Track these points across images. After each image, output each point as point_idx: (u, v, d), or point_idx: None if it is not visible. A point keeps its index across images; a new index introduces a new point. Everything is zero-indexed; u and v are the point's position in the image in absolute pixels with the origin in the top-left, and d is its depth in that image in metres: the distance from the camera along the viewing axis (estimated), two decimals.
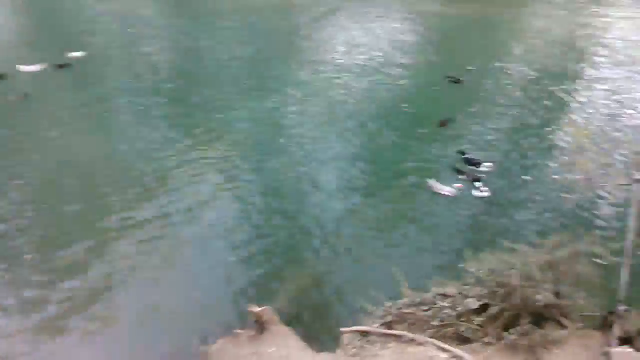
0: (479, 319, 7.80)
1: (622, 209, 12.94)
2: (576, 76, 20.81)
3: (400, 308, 8.42)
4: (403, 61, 22.36)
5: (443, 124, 17.31)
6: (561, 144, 16.23)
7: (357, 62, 22.34)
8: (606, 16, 27.26)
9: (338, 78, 20.86)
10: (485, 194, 13.99)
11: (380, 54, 22.99)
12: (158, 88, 20.19)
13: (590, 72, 21.12)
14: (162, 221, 13.28)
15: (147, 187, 14.51)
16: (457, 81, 19.99)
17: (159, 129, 17.44)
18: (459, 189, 14.16)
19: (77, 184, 14.67)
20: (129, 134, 17.20)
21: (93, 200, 13.96)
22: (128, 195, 14.15)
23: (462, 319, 7.92)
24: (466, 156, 15.42)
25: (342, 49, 23.67)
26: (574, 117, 17.79)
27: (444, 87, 19.88)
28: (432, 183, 14.35)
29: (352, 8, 28.73)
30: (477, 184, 14.18)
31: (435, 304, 8.21)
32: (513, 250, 8.59)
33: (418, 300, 8.50)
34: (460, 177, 14.62)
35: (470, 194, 14.15)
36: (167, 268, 11.87)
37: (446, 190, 14.16)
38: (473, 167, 15.02)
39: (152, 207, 13.76)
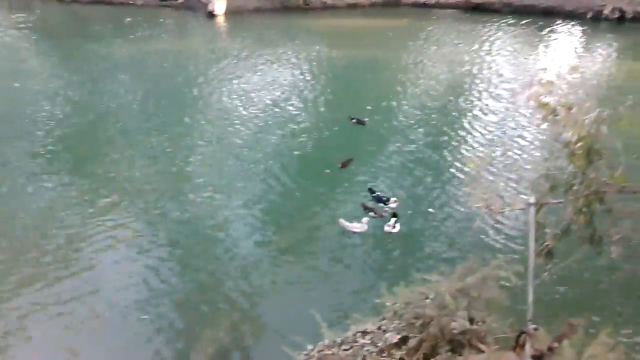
0: (399, 353, 7.85)
1: (521, 232, 13.72)
2: (461, 110, 21.99)
3: (322, 350, 8.33)
4: (301, 105, 22.67)
5: (344, 165, 17.45)
6: (458, 175, 17.02)
7: (255, 107, 22.30)
8: (480, 52, 29.23)
9: (237, 124, 20.72)
10: (396, 230, 14.30)
11: (278, 99, 23.18)
12: (46, 148, 18.98)
13: (473, 106, 22.41)
14: (66, 296, 12.29)
15: (45, 263, 13.36)
16: (361, 122, 20.36)
17: (49, 195, 16.26)
18: (368, 224, 14.40)
19: None
20: (15, 205, 15.79)
21: None
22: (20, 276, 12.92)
23: (384, 354, 7.94)
24: (376, 194, 15.73)
25: (239, 94, 23.67)
26: (466, 148, 18.72)
27: (348, 128, 20.32)
28: (343, 222, 14.52)
29: (242, 53, 29.02)
30: (392, 220, 14.43)
31: (356, 342, 8.19)
32: (426, 281, 8.81)
33: (339, 340, 8.45)
34: (369, 214, 14.89)
35: (381, 230, 14.44)
36: (77, 349, 11.02)
37: (356, 227, 14.37)
38: (382, 204, 15.36)
39: (55, 282, 12.71)
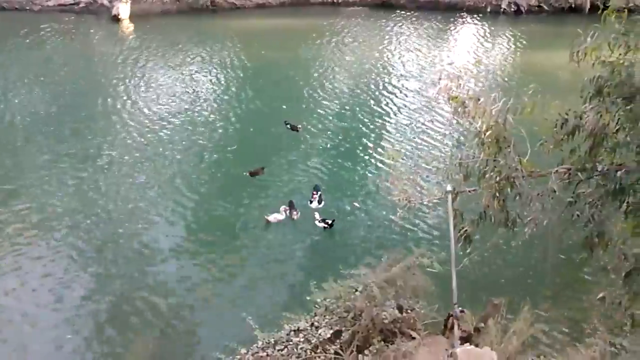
0: (334, 347, 7.99)
1: (442, 220, 14.24)
2: (374, 106, 22.21)
3: (256, 352, 8.33)
4: (213, 110, 21.99)
5: (255, 174, 16.92)
6: (378, 169, 17.39)
7: (163, 115, 21.32)
8: (390, 48, 29.93)
9: (144, 134, 19.75)
10: (325, 225, 14.45)
11: (186, 105, 22.16)
12: None
13: (385, 102, 22.73)
14: None
15: None
16: (294, 128, 19.81)
17: None
18: (286, 212, 14.72)
19: None
20: None
21: None
22: None
23: (318, 350, 8.05)
24: (318, 194, 15.54)
25: (145, 102, 22.44)
26: (382, 144, 19.02)
27: (264, 131, 20.05)
28: (267, 216, 14.66)
29: (147, 57, 27.95)
30: (317, 214, 14.67)
31: (290, 341, 8.26)
32: (354, 275, 9.02)
33: (272, 340, 8.49)
34: (286, 211, 14.92)
35: (307, 229, 14.56)
36: None
37: (275, 217, 14.59)
38: (310, 204, 15.41)
39: None
